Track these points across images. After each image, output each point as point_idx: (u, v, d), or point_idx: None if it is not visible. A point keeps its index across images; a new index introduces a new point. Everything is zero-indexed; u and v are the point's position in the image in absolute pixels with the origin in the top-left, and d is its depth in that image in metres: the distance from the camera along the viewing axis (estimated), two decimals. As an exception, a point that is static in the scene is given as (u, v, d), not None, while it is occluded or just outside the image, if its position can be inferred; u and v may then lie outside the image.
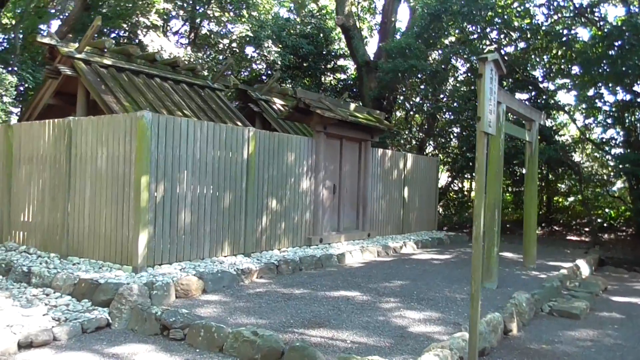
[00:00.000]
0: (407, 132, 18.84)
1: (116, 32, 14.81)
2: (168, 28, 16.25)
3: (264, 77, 18.20)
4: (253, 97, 12.07)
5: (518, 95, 16.63)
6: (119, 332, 5.23)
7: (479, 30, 15.46)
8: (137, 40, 13.58)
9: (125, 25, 13.88)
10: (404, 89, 16.76)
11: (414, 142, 18.21)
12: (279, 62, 15.67)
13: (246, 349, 4.52)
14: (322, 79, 18.70)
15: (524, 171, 17.70)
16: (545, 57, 15.80)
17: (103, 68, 8.94)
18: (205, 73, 14.49)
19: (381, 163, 11.62)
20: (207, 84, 11.03)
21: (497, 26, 15.19)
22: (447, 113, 17.29)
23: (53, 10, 18.25)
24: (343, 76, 19.02)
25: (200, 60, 14.13)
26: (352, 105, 10.83)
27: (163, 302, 5.79)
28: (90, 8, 15.75)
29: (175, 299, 6.02)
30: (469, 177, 21.52)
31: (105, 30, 14.67)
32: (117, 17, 13.51)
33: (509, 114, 12.32)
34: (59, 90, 9.20)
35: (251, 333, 4.58)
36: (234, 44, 16.97)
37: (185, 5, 15.04)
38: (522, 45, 15.84)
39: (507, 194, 18.89)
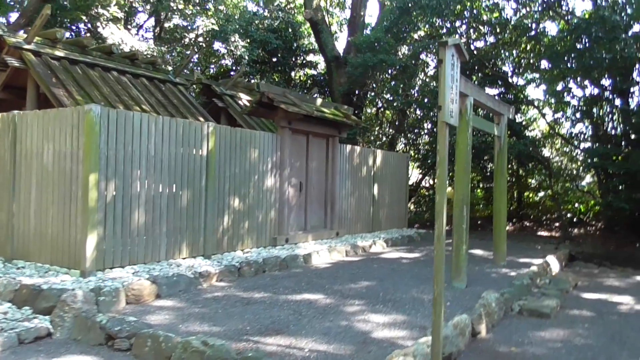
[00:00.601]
0: (377, 129, 18.65)
1: (75, 25, 14.18)
2: (132, 21, 15.67)
3: (232, 73, 17.78)
4: (217, 92, 11.66)
5: (488, 90, 16.58)
6: (61, 342, 4.83)
7: (448, 25, 15.31)
8: (97, 34, 13.01)
9: (84, 18, 13.29)
10: (374, 85, 16.52)
11: (384, 138, 18.01)
12: (247, 57, 15.26)
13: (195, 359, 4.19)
14: (292, 74, 18.34)
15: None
16: (514, 51, 15.75)
17: (55, 60, 8.44)
18: (170, 68, 14.05)
19: (350, 159, 11.34)
20: (168, 78, 10.58)
21: (466, 20, 15.07)
22: (417, 109, 17.13)
23: (12, 2, 17.51)
24: (313, 72, 18.68)
25: (164, 55, 13.65)
26: (319, 101, 10.52)
27: (111, 309, 5.40)
28: None
29: (125, 305, 5.63)
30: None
31: (64, 22, 14.04)
32: (75, 8, 12.92)
33: (479, 108, 12.33)
34: (8, 83, 8.66)
35: (201, 343, 4.24)
36: (200, 39, 16.49)
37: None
38: (491, 39, 15.76)
39: (478, 190, 18.87)
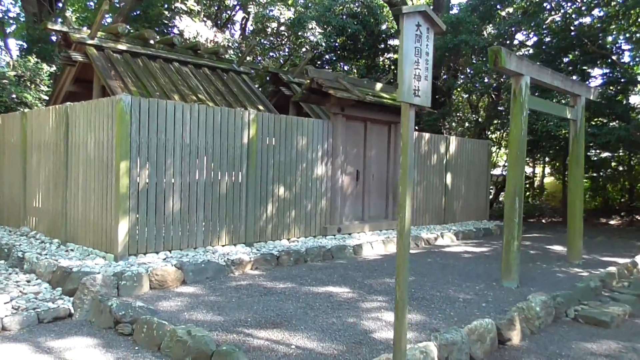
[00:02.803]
0: (467, 114, 17.61)
1: (160, 20, 14.88)
2: (211, 13, 16.08)
3: (318, 62, 17.73)
4: (284, 80, 11.62)
5: (591, 71, 14.95)
6: (76, 323, 5.02)
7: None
8: (173, 26, 13.57)
9: (166, 12, 13.90)
10: (459, 67, 15.58)
11: (467, 124, 16.94)
12: (324, 44, 15.07)
13: (178, 349, 4.12)
14: (375, 60, 17.87)
15: (604, 154, 16.09)
16: (624, 25, 13.94)
17: (117, 53, 8.87)
18: (249, 58, 14.27)
19: (416, 147, 10.77)
20: (232, 67, 10.72)
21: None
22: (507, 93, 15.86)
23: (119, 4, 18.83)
24: (396, 56, 18.04)
25: (239, 45, 13.88)
26: (379, 85, 10.06)
27: (132, 294, 5.55)
28: (143, -2, 16.02)
29: (149, 290, 5.76)
30: (539, 161, 19.90)
31: (151, 19, 14.81)
32: (157, 4, 13.53)
33: (553, 91, 10.94)
34: (78, 77, 9.27)
35: (185, 332, 4.17)
36: (283, 28, 16.57)
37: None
38: (597, 12, 14.10)
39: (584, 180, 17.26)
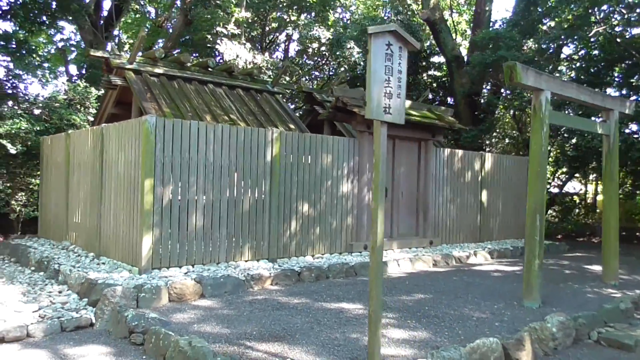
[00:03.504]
0: (510, 130, 17.23)
1: (202, 43, 15.51)
2: (254, 36, 16.60)
3: (357, 81, 17.90)
4: (318, 99, 11.83)
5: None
6: (96, 333, 5.29)
7: (589, 11, 13.54)
8: (215, 50, 14.11)
9: (209, 36, 14.50)
10: (499, 82, 15.31)
11: (507, 140, 16.54)
12: (362, 63, 15.22)
13: (180, 358, 4.30)
14: (416, 77, 17.84)
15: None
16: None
17: (154, 77, 9.34)
18: (287, 78, 14.63)
19: (449, 164, 10.66)
20: (266, 87, 11.03)
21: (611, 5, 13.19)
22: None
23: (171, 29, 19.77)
24: (437, 73, 17.96)
25: (274, 65, 14.24)
26: (408, 102, 10.05)
27: (151, 306, 5.79)
28: (191, 23, 16.79)
29: (167, 302, 5.99)
30: (589, 178, 19.13)
31: (195, 42, 15.45)
32: (200, 29, 14.15)
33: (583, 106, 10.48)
34: (119, 99, 9.80)
35: (187, 343, 4.34)
36: (323, 48, 16.88)
37: (262, 12, 15.20)
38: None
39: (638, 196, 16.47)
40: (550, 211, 17.54)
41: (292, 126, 10.18)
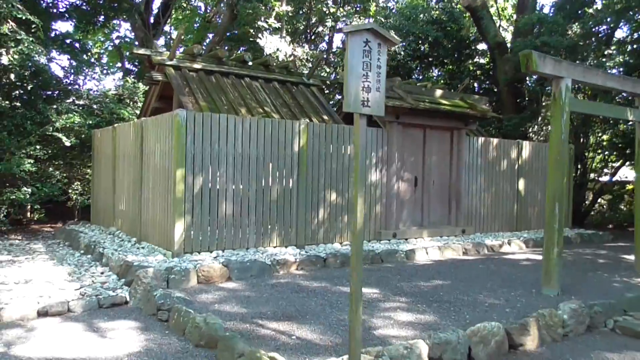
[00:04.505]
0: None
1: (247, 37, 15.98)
2: (297, 28, 16.89)
3: (399, 70, 17.89)
4: (354, 89, 12.00)
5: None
6: (129, 310, 5.79)
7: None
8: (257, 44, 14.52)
9: (252, 30, 14.94)
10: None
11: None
12: (402, 53, 15.24)
13: (196, 334, 4.69)
14: (461, 65, 17.65)
15: None
16: None
17: (192, 72, 9.83)
18: (328, 70, 14.88)
19: (483, 153, 10.62)
20: (301, 80, 11.32)
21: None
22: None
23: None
24: (482, 61, 17.68)
25: (308, 58, 14.50)
26: (439, 92, 10.09)
27: (180, 287, 6.24)
28: (236, 17, 17.33)
29: (196, 284, 6.43)
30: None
31: (239, 36, 15.93)
32: (244, 24, 14.59)
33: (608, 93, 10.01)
34: (161, 94, 10.36)
35: (202, 320, 4.73)
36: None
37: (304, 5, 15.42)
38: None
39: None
40: (600, 200, 16.99)
41: (325, 117, 10.43)
